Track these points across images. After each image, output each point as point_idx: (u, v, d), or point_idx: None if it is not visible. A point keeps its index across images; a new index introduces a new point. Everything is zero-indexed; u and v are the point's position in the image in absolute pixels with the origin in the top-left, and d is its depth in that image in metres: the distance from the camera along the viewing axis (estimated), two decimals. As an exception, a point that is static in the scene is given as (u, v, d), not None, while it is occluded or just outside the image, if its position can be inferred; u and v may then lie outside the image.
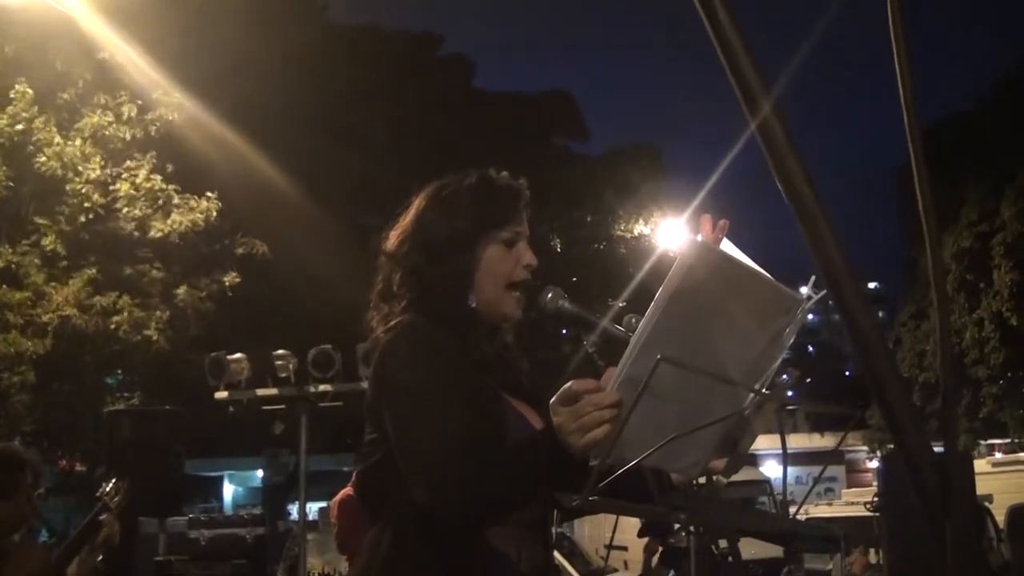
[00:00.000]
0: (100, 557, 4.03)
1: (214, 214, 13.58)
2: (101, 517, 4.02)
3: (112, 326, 12.80)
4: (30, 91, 12.35)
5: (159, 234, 13.16)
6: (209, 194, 13.60)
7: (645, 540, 9.58)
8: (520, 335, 2.14)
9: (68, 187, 12.62)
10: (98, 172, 12.77)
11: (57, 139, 12.44)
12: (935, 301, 1.02)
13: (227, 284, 14.20)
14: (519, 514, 1.88)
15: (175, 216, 13.25)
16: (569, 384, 1.60)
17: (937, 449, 1.02)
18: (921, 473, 0.94)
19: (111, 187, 13.04)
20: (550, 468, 1.64)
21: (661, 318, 1.49)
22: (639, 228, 24.90)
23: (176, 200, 13.44)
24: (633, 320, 1.98)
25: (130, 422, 8.17)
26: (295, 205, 16.09)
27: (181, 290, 13.74)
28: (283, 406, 10.34)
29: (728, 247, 1.90)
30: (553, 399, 1.63)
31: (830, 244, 0.95)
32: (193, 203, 13.49)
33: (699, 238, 1.63)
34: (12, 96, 12.28)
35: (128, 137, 13.16)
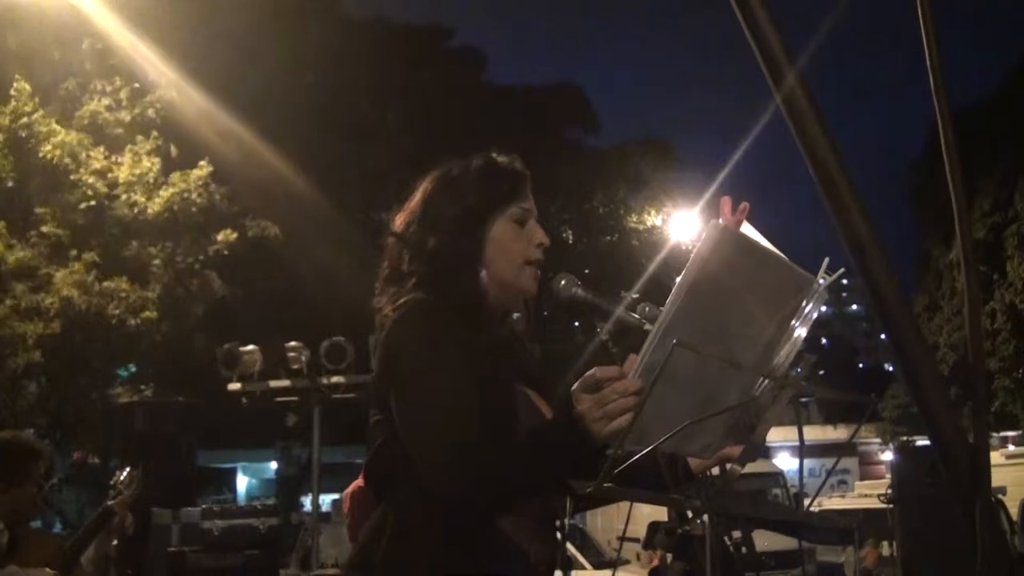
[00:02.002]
0: (115, 542, 4.06)
1: (206, 172, 13.54)
2: (110, 503, 4.04)
3: (115, 304, 12.83)
4: (27, 86, 12.38)
5: (153, 213, 13.14)
6: (201, 163, 13.60)
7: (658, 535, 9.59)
8: (531, 325, 2.13)
9: (72, 177, 12.66)
10: (102, 161, 12.81)
11: (59, 131, 12.45)
12: (963, 274, 1.00)
13: (221, 241, 14.09)
14: (529, 502, 1.86)
15: (164, 190, 13.26)
16: (592, 371, 1.58)
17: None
18: (950, 452, 0.93)
19: (110, 174, 13.08)
20: (568, 455, 1.61)
21: (683, 303, 1.47)
22: (651, 220, 24.82)
23: (172, 177, 13.48)
24: (647, 308, 1.97)
25: (143, 414, 8.24)
26: (306, 198, 16.10)
27: (179, 255, 13.77)
28: (296, 398, 10.37)
29: (748, 230, 1.89)
30: (575, 386, 1.61)
31: (854, 211, 0.94)
32: (186, 174, 13.50)
33: (719, 221, 1.62)
34: (12, 93, 12.32)
35: (128, 119, 13.20)
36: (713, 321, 1.54)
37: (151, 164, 13.32)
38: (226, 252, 14.15)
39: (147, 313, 13.08)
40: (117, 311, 12.82)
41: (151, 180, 13.34)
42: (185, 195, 13.35)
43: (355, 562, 1.96)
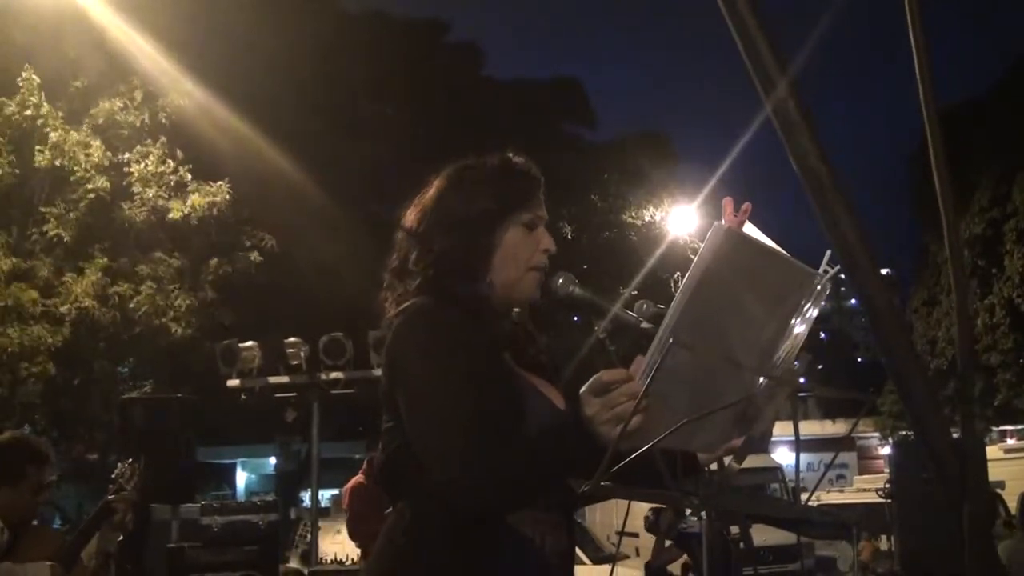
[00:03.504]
0: (120, 537, 4.06)
1: (227, 197, 13.56)
2: (111, 497, 4.04)
3: (132, 306, 12.82)
4: (36, 77, 12.34)
5: (178, 216, 13.13)
6: (222, 184, 13.60)
7: (656, 526, 9.61)
8: (535, 317, 2.13)
9: (72, 177, 12.63)
10: (99, 157, 12.77)
11: (54, 134, 12.40)
12: (952, 277, 1.00)
13: (253, 260, 14.23)
14: (543, 498, 1.87)
15: (195, 197, 13.25)
16: (600, 374, 1.59)
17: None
18: (938, 453, 0.93)
19: (125, 169, 13.05)
20: (576, 457, 1.62)
21: (688, 305, 1.48)
22: (649, 215, 24.80)
23: (191, 184, 13.46)
24: (644, 306, 1.98)
25: (143, 410, 8.21)
26: (305, 194, 16.07)
27: (212, 262, 13.79)
28: (295, 394, 10.39)
29: (751, 230, 1.90)
30: (583, 389, 1.61)
31: (845, 222, 0.93)
32: (209, 187, 13.50)
33: (722, 223, 1.63)
34: (19, 83, 12.28)
35: (138, 123, 13.17)
36: (718, 322, 1.55)
37: (177, 167, 13.34)
38: (253, 271, 14.26)
39: (167, 321, 13.09)
40: (140, 312, 12.83)
41: (180, 180, 13.36)
42: (210, 207, 13.38)
43: (372, 567, 1.98)
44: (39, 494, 3.81)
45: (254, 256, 14.31)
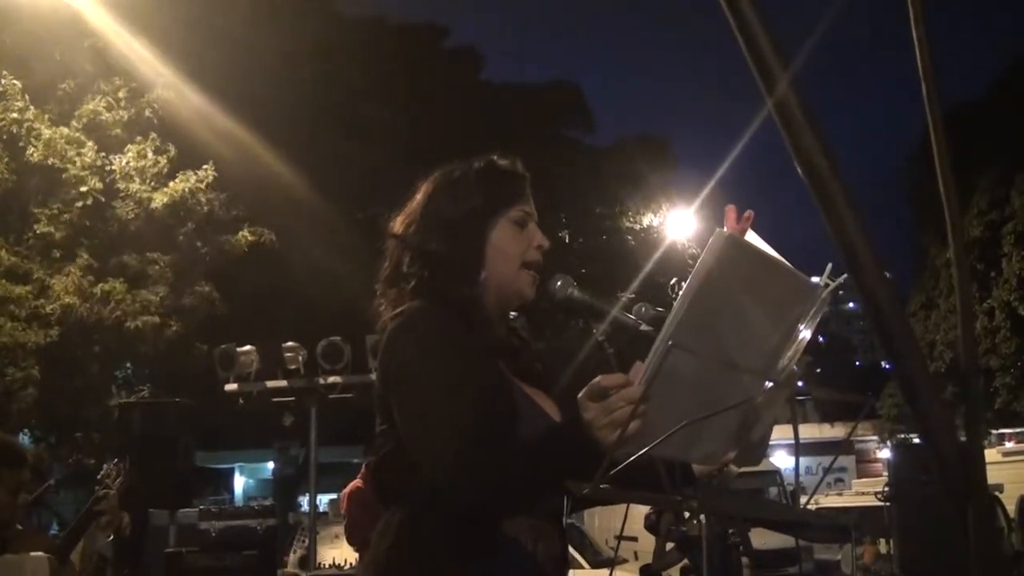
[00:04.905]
0: (110, 537, 4.05)
1: (211, 177, 13.52)
2: (100, 494, 4.04)
3: (112, 308, 12.81)
4: (17, 83, 12.35)
5: (161, 204, 13.10)
6: (205, 167, 13.57)
7: (656, 527, 9.59)
8: (531, 321, 2.13)
9: (64, 176, 12.62)
10: (92, 156, 12.76)
11: (47, 132, 12.41)
12: (955, 275, 1.00)
13: (243, 239, 14.22)
14: (538, 503, 1.87)
15: (174, 184, 13.23)
16: (598, 379, 1.58)
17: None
18: (943, 452, 0.92)
19: (109, 168, 13.03)
20: (574, 462, 1.60)
21: (688, 311, 1.47)
22: (647, 219, 24.83)
23: (177, 175, 13.46)
24: (643, 309, 1.97)
25: (140, 415, 8.21)
26: (302, 198, 16.08)
27: (204, 251, 13.81)
28: (293, 398, 10.36)
29: (753, 238, 1.89)
30: (581, 394, 1.60)
31: (849, 219, 0.93)
32: (191, 174, 13.47)
33: (724, 229, 1.62)
34: (1, 89, 12.28)
35: (125, 118, 13.17)
36: (719, 328, 1.54)
37: (156, 159, 13.29)
38: (246, 249, 14.26)
39: (147, 317, 13.05)
40: (116, 314, 12.79)
41: (160, 171, 13.31)
42: (192, 194, 13.33)
43: (366, 571, 1.97)
44: (18, 495, 3.79)
45: (243, 234, 14.25)
